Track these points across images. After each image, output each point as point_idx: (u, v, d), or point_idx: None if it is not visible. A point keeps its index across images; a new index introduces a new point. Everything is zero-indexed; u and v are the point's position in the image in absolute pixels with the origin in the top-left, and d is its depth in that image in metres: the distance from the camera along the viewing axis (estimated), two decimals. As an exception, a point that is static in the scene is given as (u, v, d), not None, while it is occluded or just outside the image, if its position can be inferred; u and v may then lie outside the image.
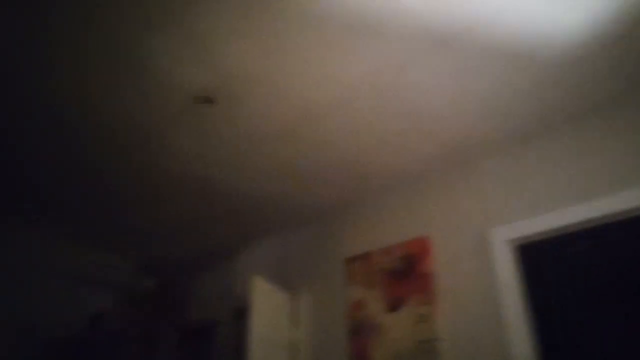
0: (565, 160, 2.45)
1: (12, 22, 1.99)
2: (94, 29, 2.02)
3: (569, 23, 1.94)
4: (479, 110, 2.44)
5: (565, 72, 2.20)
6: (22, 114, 2.53)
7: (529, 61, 2.13)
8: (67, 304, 5.37)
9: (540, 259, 2.39)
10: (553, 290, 2.28)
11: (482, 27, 1.96)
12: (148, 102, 2.43)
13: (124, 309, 4.31)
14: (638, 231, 2.12)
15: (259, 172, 3.04)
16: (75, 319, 5.12)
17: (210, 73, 2.23)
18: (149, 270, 4.51)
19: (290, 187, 3.21)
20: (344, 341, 2.95)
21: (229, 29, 1.99)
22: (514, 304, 2.32)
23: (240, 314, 3.73)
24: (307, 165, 2.95)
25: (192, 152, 2.85)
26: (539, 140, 2.59)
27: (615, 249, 2.18)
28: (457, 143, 2.72)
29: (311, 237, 3.55)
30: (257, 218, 3.64)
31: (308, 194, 3.29)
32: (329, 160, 2.90)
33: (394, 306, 2.79)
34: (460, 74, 2.21)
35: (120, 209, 3.55)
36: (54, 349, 5.34)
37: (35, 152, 2.86)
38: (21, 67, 2.22)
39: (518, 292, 2.34)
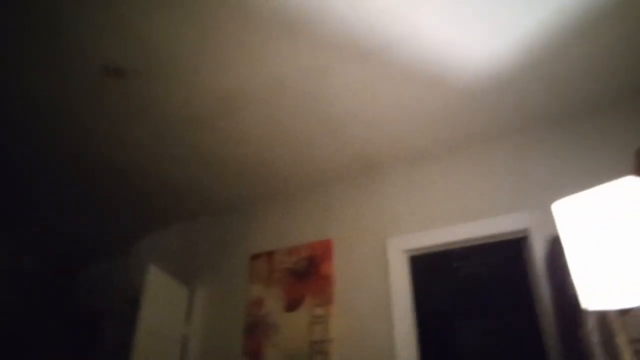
0: (460, 182, 2.68)
1: None
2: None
3: (481, 54, 2.13)
4: (389, 124, 2.58)
5: (472, 99, 2.40)
6: None
7: (441, 84, 2.30)
8: None
9: (430, 270, 2.58)
10: (439, 299, 2.48)
11: (402, 45, 2.07)
12: (57, 70, 2.23)
13: (2, 294, 3.89)
14: (514, 252, 2.38)
15: (170, 156, 2.92)
16: None
17: (128, 45, 2.10)
18: (34, 250, 4.11)
19: (200, 176, 3.13)
20: (239, 338, 2.93)
21: (147, 7, 1.89)
22: (404, 309, 2.48)
23: (134, 304, 3.55)
24: (220, 155, 2.90)
25: (100, 127, 2.66)
26: (439, 160, 2.80)
27: (494, 266, 2.42)
28: (366, 153, 2.84)
29: (217, 230, 3.49)
30: (163, 204, 3.49)
31: (218, 185, 3.23)
32: (243, 154, 2.88)
33: (292, 306, 2.83)
34: (377, 87, 2.32)
35: (14, 183, 3.20)
36: None
37: None
38: None
39: (408, 298, 2.50)
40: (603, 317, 1.57)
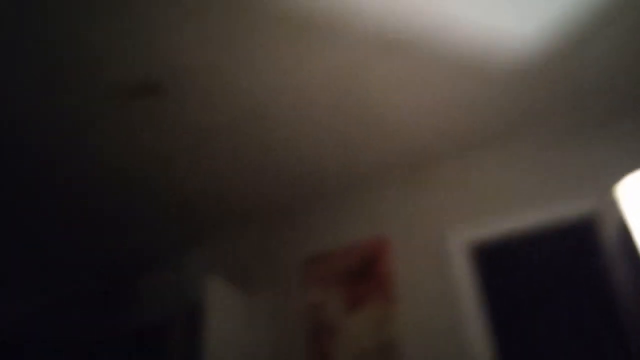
0: (523, 165, 2.62)
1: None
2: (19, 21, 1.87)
3: (517, 38, 2.08)
4: (436, 114, 2.54)
5: (515, 83, 2.35)
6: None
7: (481, 71, 2.25)
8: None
9: (495, 260, 2.54)
10: (508, 291, 2.43)
11: (435, 34, 2.04)
12: (82, 95, 2.26)
13: (60, 311, 4.03)
14: (585, 237, 2.32)
15: (208, 167, 2.92)
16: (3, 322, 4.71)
17: (152, 64, 2.12)
18: (93, 268, 4.25)
19: (244, 184, 3.12)
20: (303, 343, 2.95)
21: (172, 18, 1.90)
22: (470, 304, 2.45)
23: (193, 314, 3.62)
24: (261, 161, 2.88)
25: (134, 146, 2.69)
26: (499, 145, 2.75)
27: (563, 253, 2.36)
28: (415, 146, 2.81)
29: (268, 236, 3.51)
30: (210, 214, 3.52)
31: (262, 191, 3.22)
32: (284, 158, 2.86)
33: (353, 307, 2.83)
34: (416, 79, 2.28)
35: (60, 204, 3.31)
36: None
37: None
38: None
39: (474, 292, 2.47)
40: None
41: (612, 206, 2.27)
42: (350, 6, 1.90)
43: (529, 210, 2.48)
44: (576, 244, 2.35)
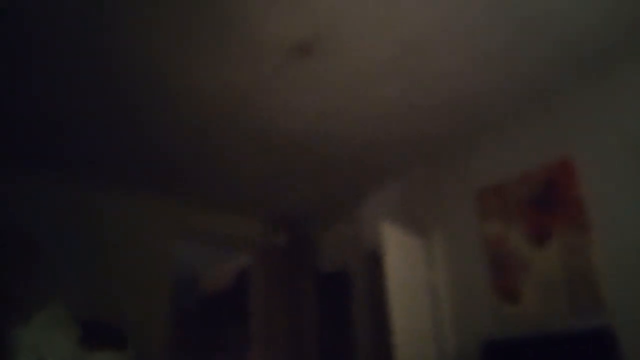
0: None
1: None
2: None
3: None
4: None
5: None
6: (138, 91, 2.70)
7: None
8: (214, 264, 5.99)
9: None
10: None
11: None
12: (243, 60, 2.40)
13: (263, 265, 4.67)
14: None
15: (368, 115, 2.92)
16: (223, 276, 5.71)
17: (305, 22, 2.14)
18: (280, 226, 4.79)
19: (406, 126, 3.05)
20: (487, 278, 2.85)
21: None
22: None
23: (372, 260, 3.81)
24: (421, 99, 2.77)
25: (299, 105, 2.81)
26: None
27: None
28: (594, 49, 2.35)
29: (436, 174, 3.40)
30: (377, 162, 3.55)
31: (425, 130, 3.12)
32: (444, 93, 2.69)
33: (539, 238, 2.61)
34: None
35: (243, 175, 3.73)
36: (210, 302, 6.04)
37: (153, 128, 3.06)
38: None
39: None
40: None
41: None
42: None
43: None
44: None
